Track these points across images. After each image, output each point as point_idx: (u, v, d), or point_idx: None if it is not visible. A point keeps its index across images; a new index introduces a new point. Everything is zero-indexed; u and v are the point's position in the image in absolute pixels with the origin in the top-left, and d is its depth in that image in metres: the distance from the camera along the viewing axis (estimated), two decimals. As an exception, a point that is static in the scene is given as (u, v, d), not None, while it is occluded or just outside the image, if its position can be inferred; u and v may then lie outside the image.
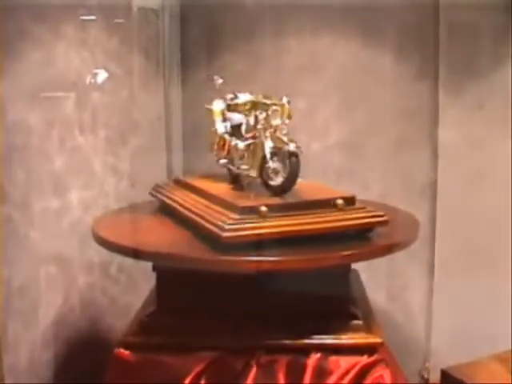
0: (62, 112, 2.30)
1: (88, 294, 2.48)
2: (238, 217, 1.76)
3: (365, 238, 1.86)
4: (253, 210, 1.78)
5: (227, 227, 1.72)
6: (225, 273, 1.75)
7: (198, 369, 1.81)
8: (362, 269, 2.26)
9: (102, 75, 2.49)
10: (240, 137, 2.07)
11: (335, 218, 1.84)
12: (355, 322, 1.90)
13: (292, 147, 1.86)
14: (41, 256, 2.19)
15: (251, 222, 1.75)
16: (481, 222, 2.78)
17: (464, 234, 2.80)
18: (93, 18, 2.41)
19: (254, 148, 1.97)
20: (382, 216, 1.88)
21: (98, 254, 2.41)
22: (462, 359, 2.43)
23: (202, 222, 1.83)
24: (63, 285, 2.33)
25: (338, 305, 1.91)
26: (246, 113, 2.05)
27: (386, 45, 2.79)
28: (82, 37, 2.37)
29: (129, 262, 2.42)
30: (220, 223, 1.75)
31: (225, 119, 2.15)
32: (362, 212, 1.88)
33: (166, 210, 2.15)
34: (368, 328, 1.90)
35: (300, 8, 2.81)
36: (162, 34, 2.90)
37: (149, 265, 1.95)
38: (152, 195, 2.30)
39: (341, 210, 1.85)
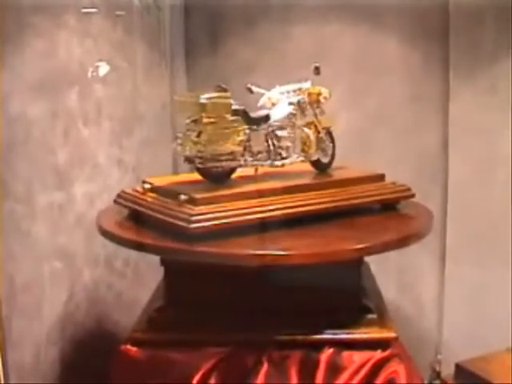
0: (64, 104, 2.25)
1: (93, 290, 2.44)
2: None
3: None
4: None
5: None
6: (234, 266, 1.70)
7: (207, 365, 1.77)
8: (372, 260, 2.22)
9: (105, 66, 2.43)
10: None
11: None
12: (368, 316, 1.86)
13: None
14: (44, 251, 2.15)
15: None
16: (493, 210, 2.74)
17: (476, 222, 2.75)
18: (95, 10, 2.35)
19: (301, 133, 2.09)
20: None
21: (104, 248, 2.37)
22: (474, 351, 2.40)
23: None
24: (68, 281, 2.29)
25: (351, 298, 1.88)
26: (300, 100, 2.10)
27: (395, 30, 2.75)
28: (84, 28, 2.31)
29: (135, 255, 2.40)
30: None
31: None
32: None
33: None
34: (381, 322, 1.87)
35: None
36: (164, 24, 2.85)
37: (156, 258, 1.91)
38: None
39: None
